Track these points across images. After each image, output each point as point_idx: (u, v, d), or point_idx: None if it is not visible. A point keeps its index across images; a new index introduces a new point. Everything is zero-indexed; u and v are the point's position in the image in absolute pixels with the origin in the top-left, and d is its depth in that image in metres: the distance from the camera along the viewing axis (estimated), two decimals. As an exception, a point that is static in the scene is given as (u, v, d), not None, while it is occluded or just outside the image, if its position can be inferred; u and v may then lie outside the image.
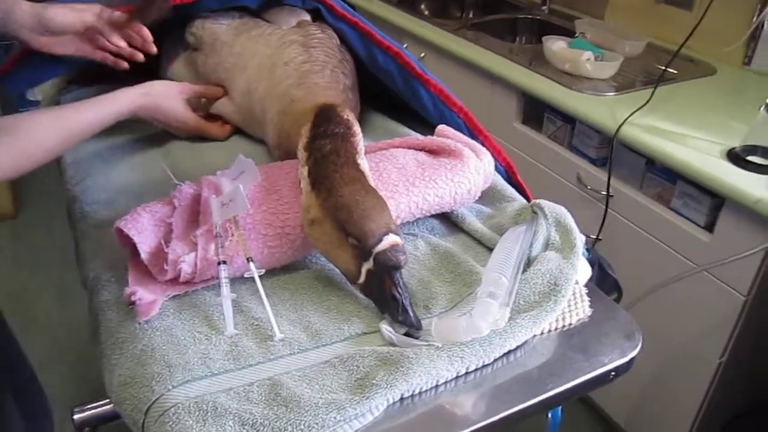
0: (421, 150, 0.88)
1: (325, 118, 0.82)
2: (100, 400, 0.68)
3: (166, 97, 1.00)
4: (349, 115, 0.83)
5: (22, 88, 1.16)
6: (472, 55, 1.74)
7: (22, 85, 1.13)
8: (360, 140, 0.81)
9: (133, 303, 0.69)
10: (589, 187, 1.49)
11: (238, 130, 1.09)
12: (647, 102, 1.40)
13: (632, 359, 0.72)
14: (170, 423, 0.58)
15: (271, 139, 0.97)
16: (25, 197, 2.74)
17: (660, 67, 1.57)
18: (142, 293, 0.69)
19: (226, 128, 1.08)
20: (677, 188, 1.32)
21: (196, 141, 1.07)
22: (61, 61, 1.04)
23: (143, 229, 0.74)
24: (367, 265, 0.68)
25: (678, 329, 1.39)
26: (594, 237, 1.48)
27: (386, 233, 0.67)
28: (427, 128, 0.99)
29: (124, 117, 0.97)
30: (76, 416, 0.69)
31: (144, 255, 0.72)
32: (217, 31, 1.05)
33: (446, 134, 0.90)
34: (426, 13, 2.28)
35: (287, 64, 0.95)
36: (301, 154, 0.79)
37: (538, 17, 2.10)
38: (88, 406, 0.69)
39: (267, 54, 0.97)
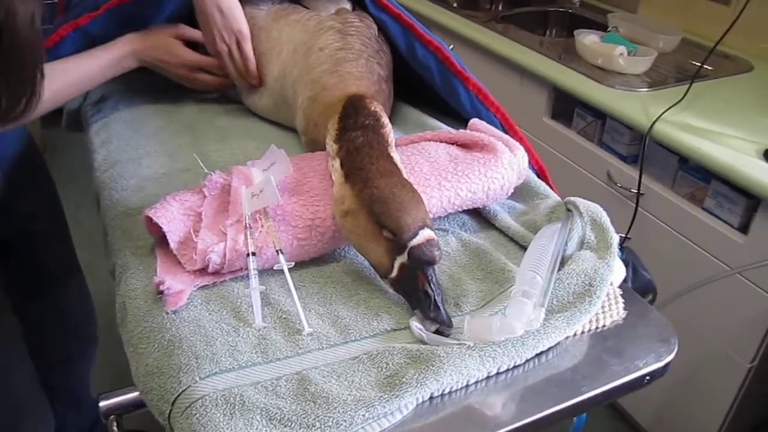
0: (453, 144, 0.86)
1: (353, 110, 0.81)
2: (123, 386, 0.68)
3: (162, 35, 1.02)
4: (377, 107, 0.82)
5: None
6: (502, 48, 1.71)
7: None
8: (390, 132, 0.80)
9: (161, 292, 0.68)
10: (619, 185, 1.47)
11: (269, 120, 1.08)
12: (682, 98, 1.37)
13: (668, 364, 0.69)
14: (197, 415, 0.57)
15: (299, 125, 0.96)
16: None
17: (695, 63, 1.54)
18: (171, 282, 0.69)
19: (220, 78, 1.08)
20: (711, 188, 1.29)
21: (225, 128, 1.06)
22: None
23: (173, 218, 0.73)
24: (401, 259, 0.66)
25: (708, 332, 1.36)
26: (623, 236, 1.45)
27: (422, 227, 0.66)
28: (460, 123, 0.97)
29: (126, 62, 0.99)
30: (101, 403, 0.68)
31: (173, 244, 0.71)
32: (255, 15, 1.04)
33: (479, 128, 0.89)
34: (455, 4, 2.25)
35: (322, 49, 0.93)
36: (331, 146, 0.78)
37: (570, 10, 2.07)
38: (114, 393, 0.68)
39: (303, 39, 0.97)
